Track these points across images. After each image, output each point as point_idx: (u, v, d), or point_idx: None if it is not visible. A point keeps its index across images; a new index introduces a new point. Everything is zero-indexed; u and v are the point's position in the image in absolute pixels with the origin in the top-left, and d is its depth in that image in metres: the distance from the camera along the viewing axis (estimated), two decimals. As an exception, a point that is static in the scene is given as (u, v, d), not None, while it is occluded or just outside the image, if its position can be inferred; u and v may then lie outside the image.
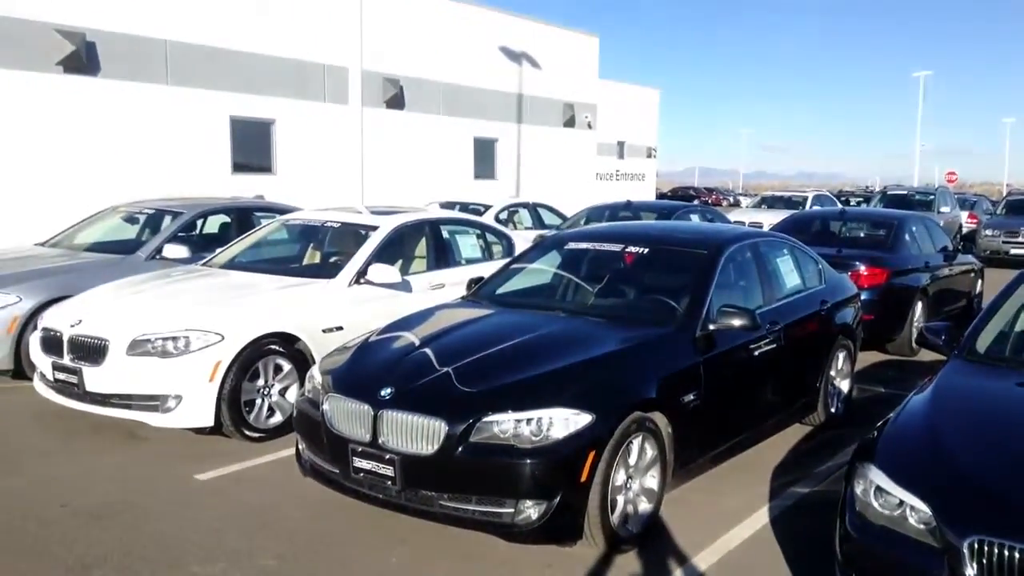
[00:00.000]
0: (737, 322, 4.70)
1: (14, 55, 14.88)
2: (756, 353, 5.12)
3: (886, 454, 3.31)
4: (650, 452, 4.22)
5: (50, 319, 5.86)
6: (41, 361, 5.79)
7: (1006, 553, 2.74)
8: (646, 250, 5.55)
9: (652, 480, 4.27)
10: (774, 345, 5.27)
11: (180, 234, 8.19)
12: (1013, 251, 18.57)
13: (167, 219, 8.49)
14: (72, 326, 5.58)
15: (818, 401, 5.99)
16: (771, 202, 22.86)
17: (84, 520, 4.34)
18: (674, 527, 4.37)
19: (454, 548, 4.10)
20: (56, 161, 15.58)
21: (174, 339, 5.36)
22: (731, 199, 53.93)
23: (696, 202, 34.64)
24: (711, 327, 4.76)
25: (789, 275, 5.97)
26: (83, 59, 15.72)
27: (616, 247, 5.67)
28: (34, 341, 5.94)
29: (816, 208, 19.17)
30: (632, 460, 4.13)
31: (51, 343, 5.68)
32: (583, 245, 5.94)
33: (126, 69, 16.49)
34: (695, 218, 12.52)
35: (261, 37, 18.53)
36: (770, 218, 16.43)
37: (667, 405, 4.30)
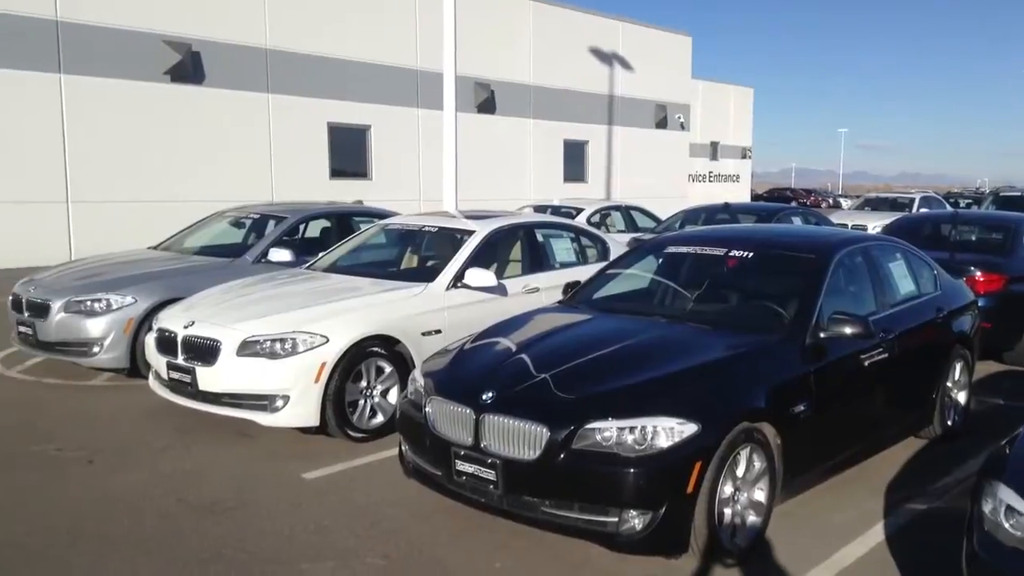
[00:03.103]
0: (849, 330, 4.52)
1: (125, 65, 15.67)
2: (869, 363, 4.91)
3: (1017, 472, 3.13)
4: (758, 464, 4.10)
5: (165, 320, 6.10)
6: (156, 360, 6.03)
7: None
8: (751, 254, 5.40)
9: (760, 493, 4.15)
10: (887, 354, 5.05)
11: (284, 238, 8.43)
12: None
13: (271, 224, 8.76)
14: (185, 327, 5.80)
15: (934, 413, 5.70)
16: (875, 204, 22.02)
17: (199, 515, 4.51)
18: (783, 542, 4.23)
19: (557, 555, 4.07)
20: (164, 167, 16.31)
21: (282, 341, 5.51)
22: (830, 201, 52.23)
23: (793, 204, 33.70)
24: (821, 335, 4.59)
25: (903, 281, 5.71)
26: (189, 68, 16.42)
27: (719, 251, 5.54)
28: (149, 341, 6.19)
29: (925, 210, 18.36)
30: (740, 472, 4.02)
31: (166, 343, 5.91)
32: (684, 249, 5.83)
33: (229, 77, 17.15)
34: (797, 221, 12.14)
35: (357, 45, 18.97)
36: (875, 221, 15.83)
37: (776, 416, 4.16)
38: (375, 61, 19.29)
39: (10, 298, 7.61)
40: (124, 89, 15.74)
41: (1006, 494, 3.02)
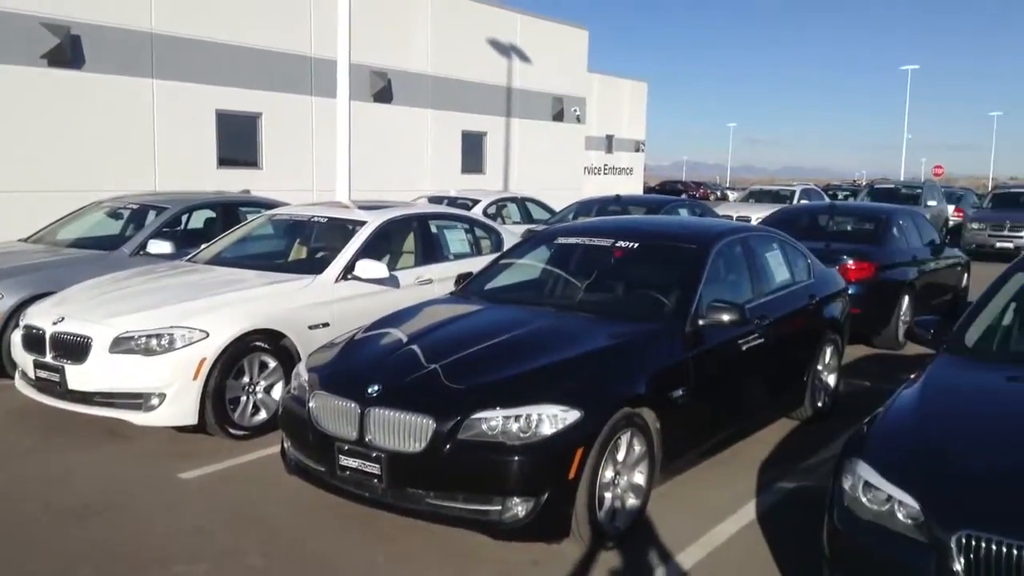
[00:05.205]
0: (726, 317, 4.69)
1: (-1, 48, 14.71)
2: (745, 348, 5.11)
3: (875, 449, 3.30)
4: (638, 448, 4.21)
5: (32, 316, 5.78)
6: (23, 359, 5.71)
7: (994, 548, 2.73)
8: (636, 245, 5.53)
9: (640, 476, 4.26)
10: (762, 340, 5.26)
11: (165, 229, 8.11)
12: (999, 244, 18.64)
13: (151, 214, 8.42)
14: (54, 323, 5.51)
15: (805, 395, 5.98)
16: (759, 196, 22.85)
17: (66, 520, 4.29)
18: (661, 522, 4.36)
19: (441, 545, 4.07)
20: (40, 156, 15.42)
21: (158, 336, 5.30)
22: (719, 193, 53.92)
23: (684, 196, 34.66)
24: (700, 322, 4.75)
25: (778, 269, 5.96)
26: (68, 52, 15.56)
27: (606, 242, 5.64)
28: (16, 339, 5.85)
29: (804, 202, 19.19)
30: (620, 456, 4.11)
31: (33, 341, 5.60)
32: (572, 240, 5.91)
33: (111, 63, 16.34)
34: (684, 212, 12.50)
35: (248, 30, 18.39)
36: (758, 212, 16.44)
37: (656, 401, 4.28)
38: (267, 47, 18.72)
39: None
40: (-4, 73, 14.78)
41: (864, 470, 3.18)
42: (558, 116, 27.69)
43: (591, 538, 3.93)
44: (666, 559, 4.02)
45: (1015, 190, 23.23)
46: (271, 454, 5.13)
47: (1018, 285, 4.55)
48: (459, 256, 7.75)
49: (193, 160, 17.54)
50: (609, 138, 36.98)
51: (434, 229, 7.74)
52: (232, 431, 5.50)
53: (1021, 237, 18.39)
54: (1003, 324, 4.47)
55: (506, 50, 24.83)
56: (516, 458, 3.73)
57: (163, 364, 5.25)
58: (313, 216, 7.38)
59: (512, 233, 8.74)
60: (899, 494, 3.02)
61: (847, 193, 31.98)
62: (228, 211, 8.81)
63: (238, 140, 18.57)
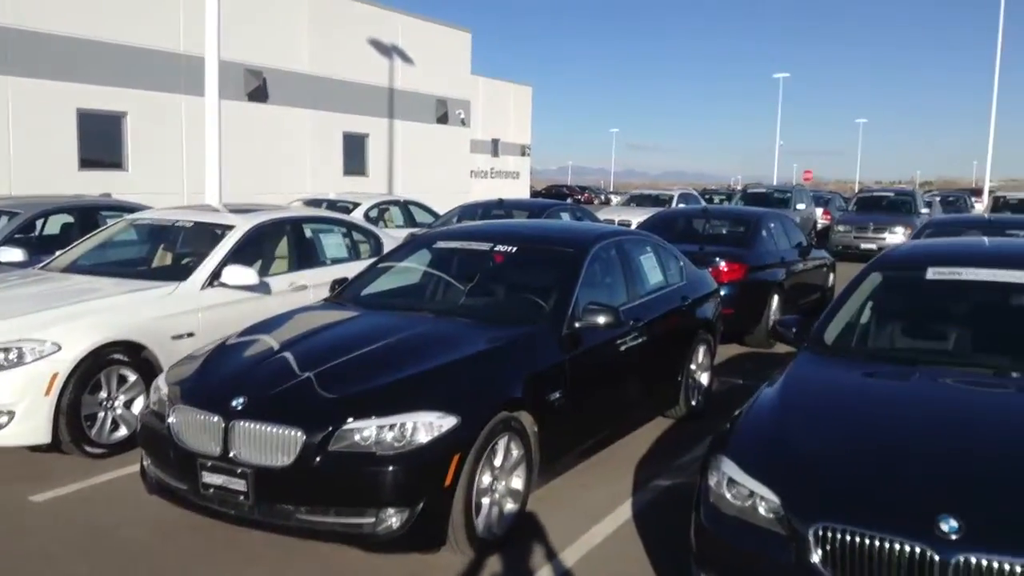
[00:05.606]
0: (602, 319, 4.74)
1: None
2: (620, 349, 5.19)
3: (737, 446, 3.38)
4: (516, 452, 4.19)
5: None
6: None
7: (848, 539, 2.84)
8: (514, 249, 5.52)
9: (518, 480, 4.24)
10: (638, 341, 5.36)
11: (16, 236, 7.61)
12: (863, 245, 19.70)
13: (2, 219, 7.88)
14: None
15: (680, 394, 6.13)
16: (639, 200, 23.44)
17: None
18: (539, 525, 4.36)
19: (312, 561, 3.94)
20: None
21: (5, 350, 4.93)
22: (602, 197, 55.11)
23: (569, 200, 35.22)
24: (577, 325, 4.78)
25: (652, 272, 6.08)
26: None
27: (485, 246, 5.62)
28: None
29: (681, 206, 19.79)
30: (498, 461, 4.08)
31: None
32: (452, 244, 5.86)
33: (-43, 56, 15.21)
34: (565, 216, 12.66)
35: (112, 25, 17.47)
36: (638, 216, 16.83)
37: (533, 404, 4.28)
38: (133, 43, 17.84)
39: None
40: None
41: (728, 467, 3.26)
42: (442, 119, 27.61)
43: (468, 546, 3.88)
44: (544, 562, 4.02)
45: (878, 194, 24.66)
46: (130, 473, 4.83)
47: (873, 284, 4.79)
48: (336, 261, 7.56)
49: (52, 162, 16.52)
50: (495, 142, 37.18)
51: (309, 233, 7.54)
52: (88, 449, 5.17)
53: (884, 239, 19.48)
54: (860, 322, 4.69)
55: (388, 51, 24.56)
56: (390, 468, 3.64)
57: (11, 380, 4.88)
58: (178, 220, 7.04)
59: (393, 237, 8.59)
60: (760, 489, 3.10)
61: (723, 197, 33.28)
62: (87, 216, 8.36)
63: (101, 141, 17.61)
